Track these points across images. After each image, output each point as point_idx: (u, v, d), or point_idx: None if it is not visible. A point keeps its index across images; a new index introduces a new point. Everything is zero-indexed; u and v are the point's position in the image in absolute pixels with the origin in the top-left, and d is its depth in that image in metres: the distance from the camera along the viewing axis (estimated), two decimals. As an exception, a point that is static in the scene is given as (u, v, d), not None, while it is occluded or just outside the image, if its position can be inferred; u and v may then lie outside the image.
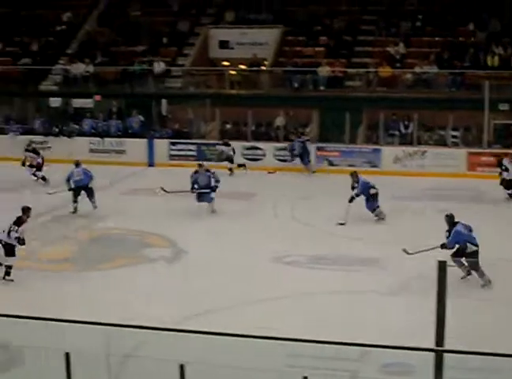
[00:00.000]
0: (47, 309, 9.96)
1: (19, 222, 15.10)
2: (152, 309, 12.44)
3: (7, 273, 14.89)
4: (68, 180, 20.49)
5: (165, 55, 31.14)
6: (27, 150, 24.91)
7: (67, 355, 8.00)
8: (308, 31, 30.98)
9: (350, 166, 24.99)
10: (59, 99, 29.65)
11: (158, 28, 32.54)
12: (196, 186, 19.88)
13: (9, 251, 14.98)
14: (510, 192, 21.76)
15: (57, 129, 28.81)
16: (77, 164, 21.00)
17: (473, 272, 14.46)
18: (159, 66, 30.09)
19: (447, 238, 14.51)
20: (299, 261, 16.07)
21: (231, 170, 25.56)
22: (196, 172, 20.33)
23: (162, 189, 20.69)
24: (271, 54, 30.54)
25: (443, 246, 14.37)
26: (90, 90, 30.01)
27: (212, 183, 19.95)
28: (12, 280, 14.82)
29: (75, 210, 20.39)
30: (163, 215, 19.77)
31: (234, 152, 25.97)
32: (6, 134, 28.86)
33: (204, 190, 19.88)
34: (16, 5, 34.92)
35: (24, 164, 24.43)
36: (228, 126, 28.84)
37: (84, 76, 30.60)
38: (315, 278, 14.96)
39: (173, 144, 27.69)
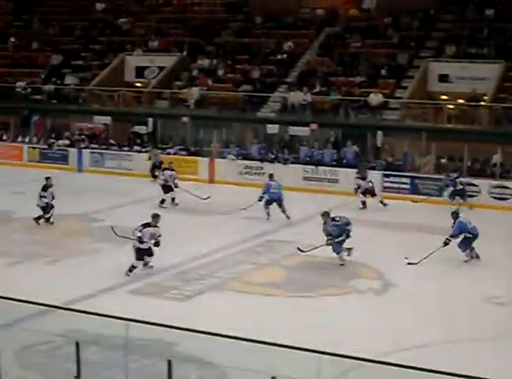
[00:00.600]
0: (254, 331, 10.10)
1: (145, 224, 16.90)
2: (351, 340, 12.36)
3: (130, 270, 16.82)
4: (265, 192, 22.49)
5: (383, 87, 31.12)
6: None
7: (272, 380, 8.06)
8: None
9: None
10: (276, 126, 30.24)
11: (377, 60, 32.62)
12: None
13: (142, 253, 16.88)
14: None
15: (272, 156, 29.41)
16: (271, 176, 23.05)
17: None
18: (376, 98, 30.12)
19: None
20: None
21: (382, 202, 25.09)
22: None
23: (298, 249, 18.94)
24: (491, 90, 29.76)
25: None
26: (307, 118, 30.46)
27: None
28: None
29: (268, 216, 22.63)
30: (374, 246, 19.62)
31: (372, 184, 25.37)
32: (225, 158, 29.79)
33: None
34: (239, 33, 36.17)
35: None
36: (443, 161, 28.36)
37: (301, 105, 31.11)
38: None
39: (386, 176, 27.52)
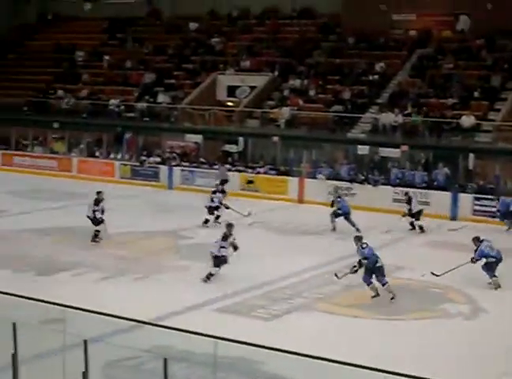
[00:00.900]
0: (340, 352, 9.99)
1: (224, 236, 17.80)
2: (439, 365, 12.12)
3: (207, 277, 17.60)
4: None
5: (476, 109, 30.63)
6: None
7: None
8: None
9: None
10: (367, 147, 30.04)
11: (470, 82, 32.15)
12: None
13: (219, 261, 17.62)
14: None
15: (362, 177, 29.21)
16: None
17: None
18: (468, 120, 29.66)
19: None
20: None
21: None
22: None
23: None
24: None
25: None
26: (397, 140, 30.17)
27: None
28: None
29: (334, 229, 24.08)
30: (464, 271, 19.24)
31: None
32: (315, 178, 29.72)
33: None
34: (331, 54, 36.16)
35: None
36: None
37: (392, 126, 30.85)
38: None
39: (477, 199, 27.03)
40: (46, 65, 42.83)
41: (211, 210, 24.57)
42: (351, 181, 29.02)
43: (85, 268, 17.68)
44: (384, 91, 33.56)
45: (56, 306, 10.72)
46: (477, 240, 18.30)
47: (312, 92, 34.59)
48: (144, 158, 33.75)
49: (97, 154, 35.80)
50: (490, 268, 18.06)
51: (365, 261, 16.98)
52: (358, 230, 22.93)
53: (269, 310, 15.81)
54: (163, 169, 32.69)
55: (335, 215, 24.15)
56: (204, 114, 34.75)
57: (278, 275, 18.39)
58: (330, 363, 8.17)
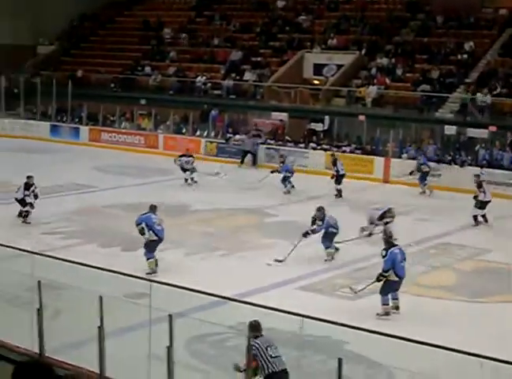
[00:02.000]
0: (422, 333, 9.90)
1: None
2: None
3: None
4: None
5: None
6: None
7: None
8: None
9: None
10: (454, 127, 29.59)
11: None
12: None
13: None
14: None
15: (449, 157, 28.79)
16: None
17: None
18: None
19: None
20: None
21: None
22: None
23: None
24: None
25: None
26: (485, 120, 29.64)
27: None
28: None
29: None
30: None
31: None
32: (400, 158, 29.44)
33: None
34: (419, 32, 35.65)
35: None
36: None
37: (480, 107, 30.31)
38: None
39: None
40: (134, 42, 43.36)
41: (184, 170, 27.14)
42: (437, 161, 28.61)
43: (169, 244, 17.87)
44: (473, 70, 32.95)
45: (141, 281, 10.90)
46: None
47: (399, 71, 34.19)
48: (229, 135, 33.90)
49: (183, 131, 36.11)
50: None
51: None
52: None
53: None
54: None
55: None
56: (290, 92, 34.71)
57: (362, 255, 18.31)
58: (412, 344, 8.11)
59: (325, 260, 17.82)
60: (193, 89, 37.65)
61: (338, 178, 25.92)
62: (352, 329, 8.72)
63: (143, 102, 37.43)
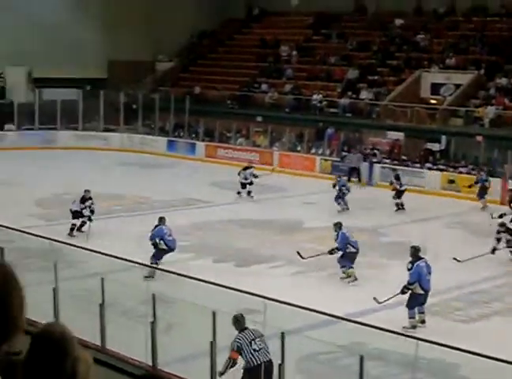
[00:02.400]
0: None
1: None
2: None
3: None
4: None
5: None
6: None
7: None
8: None
9: None
10: None
11: None
12: None
13: None
14: None
15: None
16: None
17: None
18: None
19: None
20: None
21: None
22: None
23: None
24: None
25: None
26: None
27: None
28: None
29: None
30: None
31: None
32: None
33: None
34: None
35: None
36: None
37: None
38: None
39: None
40: (251, 59, 43.75)
41: (243, 186, 27.54)
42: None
43: (282, 261, 17.93)
44: None
45: (254, 297, 10.94)
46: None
47: (519, 91, 33.46)
48: (345, 154, 33.79)
49: (298, 148, 36.19)
50: None
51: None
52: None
53: (467, 313, 15.46)
54: (364, 165, 32.56)
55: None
56: (406, 111, 34.37)
57: (478, 278, 17.92)
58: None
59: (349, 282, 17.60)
60: (309, 107, 37.72)
61: (399, 193, 26.27)
62: (465, 353, 8.53)
63: (259, 119, 37.73)
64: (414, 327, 14.23)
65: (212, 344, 9.98)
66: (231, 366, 10.10)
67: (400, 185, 26.27)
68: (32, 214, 23.30)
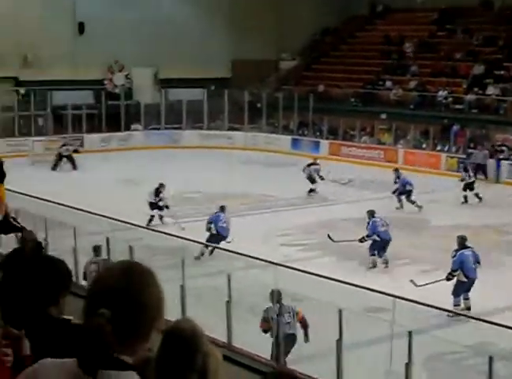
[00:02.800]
0: None
1: None
2: None
3: None
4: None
5: None
6: None
7: None
8: None
9: None
10: None
11: None
12: None
13: None
14: None
15: None
16: None
17: None
18: None
19: None
20: None
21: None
22: None
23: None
24: None
25: None
26: None
27: None
28: None
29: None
30: None
31: None
32: None
33: None
34: None
35: None
36: None
37: None
38: None
39: None
40: (375, 56, 43.42)
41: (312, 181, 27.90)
42: None
43: (407, 260, 17.76)
44: None
45: (381, 295, 10.88)
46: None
47: None
48: (471, 151, 33.15)
49: (423, 145, 35.73)
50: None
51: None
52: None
53: None
54: (491, 162, 31.87)
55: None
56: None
57: None
58: None
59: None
60: (434, 104, 37.19)
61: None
62: None
63: (383, 116, 37.43)
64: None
65: (339, 342, 9.98)
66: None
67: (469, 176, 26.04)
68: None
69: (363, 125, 38.39)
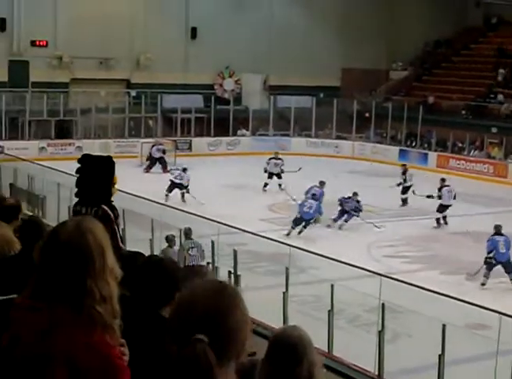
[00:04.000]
0: None
1: None
2: None
3: None
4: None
5: None
6: None
7: None
8: None
9: None
10: None
11: None
12: None
13: None
14: None
15: None
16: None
17: None
18: None
19: None
20: None
21: None
22: None
23: None
24: None
25: None
26: None
27: None
28: None
29: None
30: None
31: None
32: None
33: None
34: None
35: None
36: None
37: None
38: None
39: None
40: (487, 69, 42.65)
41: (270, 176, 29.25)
42: None
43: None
44: None
45: (486, 311, 10.67)
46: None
47: None
48: None
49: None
50: None
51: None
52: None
53: None
54: None
55: None
56: None
57: None
58: None
59: None
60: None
61: None
62: None
63: (494, 130, 36.73)
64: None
65: (441, 357, 9.84)
66: None
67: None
68: (264, 218, 23.89)
69: (472, 138, 37.73)
